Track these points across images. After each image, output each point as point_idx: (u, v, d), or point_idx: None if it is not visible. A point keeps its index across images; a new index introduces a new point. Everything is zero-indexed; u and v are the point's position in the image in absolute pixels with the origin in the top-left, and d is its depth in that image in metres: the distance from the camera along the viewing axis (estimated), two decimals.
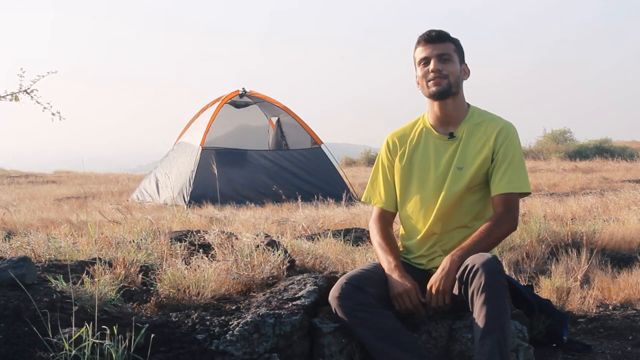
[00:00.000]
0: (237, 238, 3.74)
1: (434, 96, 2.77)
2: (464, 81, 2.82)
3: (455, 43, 2.79)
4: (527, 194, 2.78)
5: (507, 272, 3.39)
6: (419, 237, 2.83)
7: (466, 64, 2.83)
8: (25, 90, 5.51)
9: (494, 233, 2.65)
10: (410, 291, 2.60)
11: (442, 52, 2.73)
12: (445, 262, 2.58)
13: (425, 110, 2.90)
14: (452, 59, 2.74)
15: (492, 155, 2.74)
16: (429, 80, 2.75)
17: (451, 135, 2.80)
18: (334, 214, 7.37)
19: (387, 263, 2.73)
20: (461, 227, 2.78)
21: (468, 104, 2.86)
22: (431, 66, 2.73)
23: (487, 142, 2.75)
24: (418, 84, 2.82)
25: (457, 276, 2.52)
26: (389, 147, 2.94)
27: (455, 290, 2.54)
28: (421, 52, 2.77)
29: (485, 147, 2.75)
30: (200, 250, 3.51)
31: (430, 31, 2.77)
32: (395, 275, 2.66)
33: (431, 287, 2.57)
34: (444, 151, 2.80)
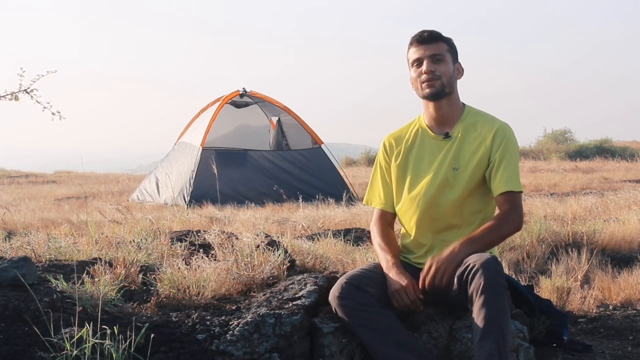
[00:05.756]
0: (237, 238, 3.74)
1: (427, 97, 2.76)
2: (458, 80, 2.81)
3: (448, 42, 2.77)
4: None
5: (507, 272, 3.40)
6: (416, 237, 2.83)
7: (459, 63, 2.81)
8: (25, 90, 5.51)
9: (503, 229, 2.65)
10: (408, 287, 2.59)
11: (435, 52, 2.72)
12: (454, 246, 2.56)
13: (422, 111, 2.89)
14: (444, 59, 2.73)
15: (489, 157, 2.72)
16: (423, 82, 2.74)
17: (447, 135, 2.80)
18: (334, 214, 7.36)
19: (385, 262, 2.73)
20: (457, 228, 2.76)
21: (463, 104, 2.85)
22: (424, 67, 2.72)
23: (483, 142, 2.74)
24: (412, 84, 2.81)
25: (457, 275, 2.52)
26: (386, 149, 2.94)
27: (455, 286, 2.54)
28: (414, 53, 2.76)
29: (481, 147, 2.74)
30: (201, 250, 3.51)
31: (423, 32, 2.76)
32: (392, 272, 2.66)
33: (431, 265, 2.56)
34: (439, 151, 2.79)
